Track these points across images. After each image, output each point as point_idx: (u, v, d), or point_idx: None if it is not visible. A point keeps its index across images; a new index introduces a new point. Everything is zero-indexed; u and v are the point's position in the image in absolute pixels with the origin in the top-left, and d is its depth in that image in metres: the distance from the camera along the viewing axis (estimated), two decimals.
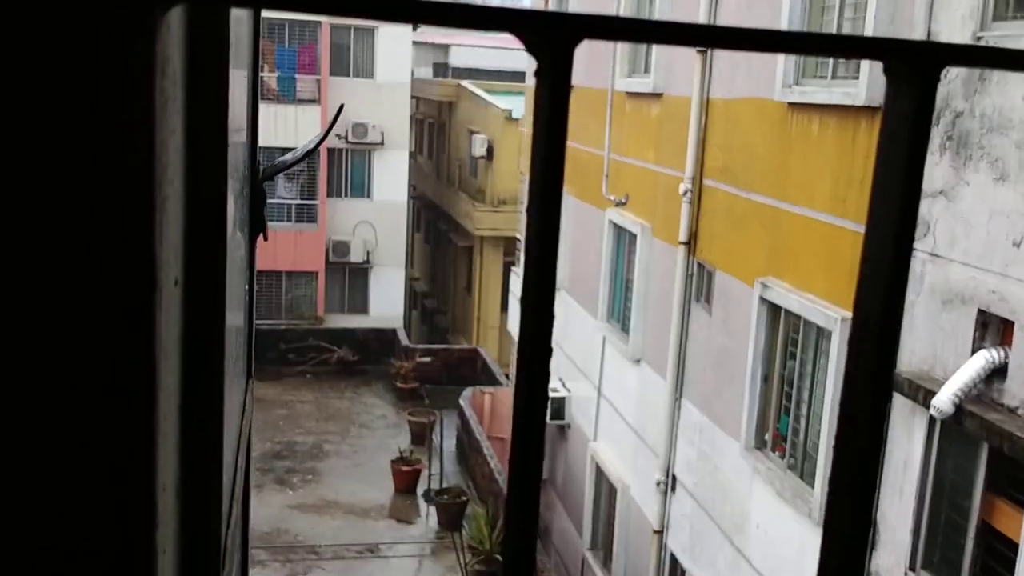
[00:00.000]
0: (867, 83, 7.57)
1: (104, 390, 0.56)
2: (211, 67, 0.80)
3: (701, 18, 10.33)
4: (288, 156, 2.65)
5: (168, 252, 0.69)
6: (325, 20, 25.20)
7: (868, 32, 7.57)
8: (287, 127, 24.44)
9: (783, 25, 8.77)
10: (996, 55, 0.74)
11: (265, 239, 1.87)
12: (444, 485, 17.44)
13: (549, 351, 0.51)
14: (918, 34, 7.07)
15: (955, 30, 6.76)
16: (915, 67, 0.54)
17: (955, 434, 6.61)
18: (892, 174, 0.55)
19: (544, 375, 0.50)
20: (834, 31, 8.31)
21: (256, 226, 1.80)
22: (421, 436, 19.24)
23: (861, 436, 0.54)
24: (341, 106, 3.21)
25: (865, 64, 7.62)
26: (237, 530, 1.55)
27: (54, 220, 0.54)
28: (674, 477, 11.11)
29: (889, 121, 0.56)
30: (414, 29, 27.11)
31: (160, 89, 0.60)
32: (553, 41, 0.51)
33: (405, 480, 17.83)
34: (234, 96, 1.56)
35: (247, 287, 1.77)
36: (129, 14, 0.53)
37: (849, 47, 0.62)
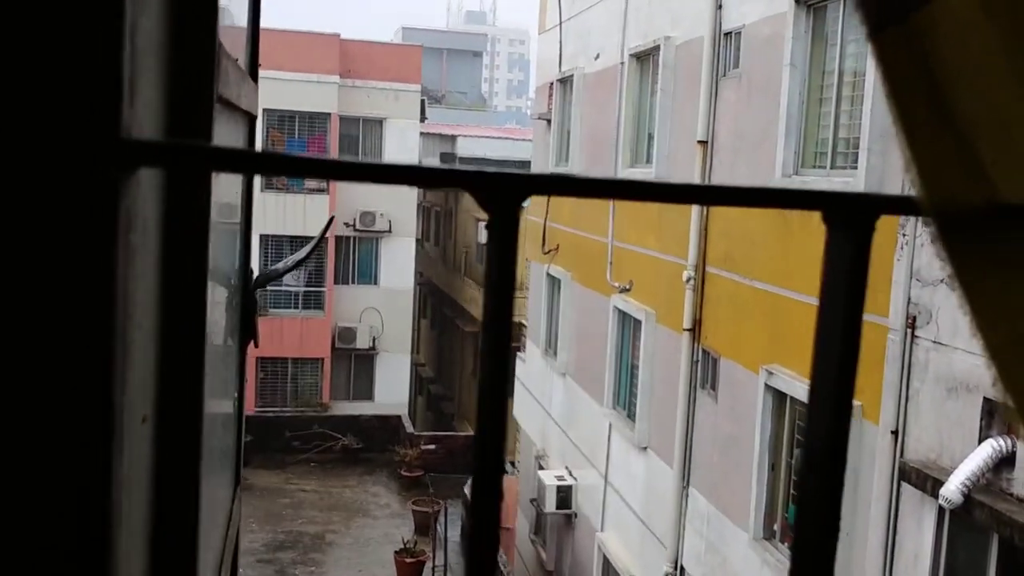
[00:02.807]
0: (865, 172, 7.67)
1: (56, 526, 0.58)
2: (189, 217, 0.83)
3: (701, 114, 10.54)
4: (280, 265, 2.72)
5: (133, 394, 0.71)
6: (335, 112, 25.74)
7: (866, 124, 7.71)
8: (296, 216, 24.75)
9: (782, 116, 8.94)
10: None
11: (256, 346, 1.91)
12: None
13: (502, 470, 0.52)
14: None
15: None
16: (852, 217, 0.57)
17: (965, 524, 6.51)
18: (833, 319, 0.57)
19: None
20: (831, 122, 8.46)
21: (247, 334, 1.84)
22: (425, 526, 18.96)
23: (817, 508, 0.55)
24: (331, 218, 3.29)
25: (864, 153, 7.73)
26: None
27: (12, 374, 0.57)
28: (682, 568, 10.90)
29: (829, 266, 0.58)
30: (422, 121, 27.63)
31: (125, 243, 0.63)
32: (502, 197, 0.54)
33: (409, 572, 17.51)
34: (228, 203, 1.61)
35: (236, 395, 1.79)
36: (93, 179, 0.57)
37: (790, 199, 0.65)
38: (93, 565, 0.59)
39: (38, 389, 0.56)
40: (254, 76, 1.82)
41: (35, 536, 0.57)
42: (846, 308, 0.57)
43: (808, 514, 0.56)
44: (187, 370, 0.88)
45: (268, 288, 25.32)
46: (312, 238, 24.40)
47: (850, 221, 0.56)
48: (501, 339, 0.53)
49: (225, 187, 1.40)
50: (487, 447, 0.52)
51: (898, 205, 0.63)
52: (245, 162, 0.68)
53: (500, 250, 0.54)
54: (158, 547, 0.91)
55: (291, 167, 0.57)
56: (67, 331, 0.56)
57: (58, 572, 0.59)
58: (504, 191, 0.54)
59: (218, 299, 1.43)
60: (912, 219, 7.10)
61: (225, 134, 1.25)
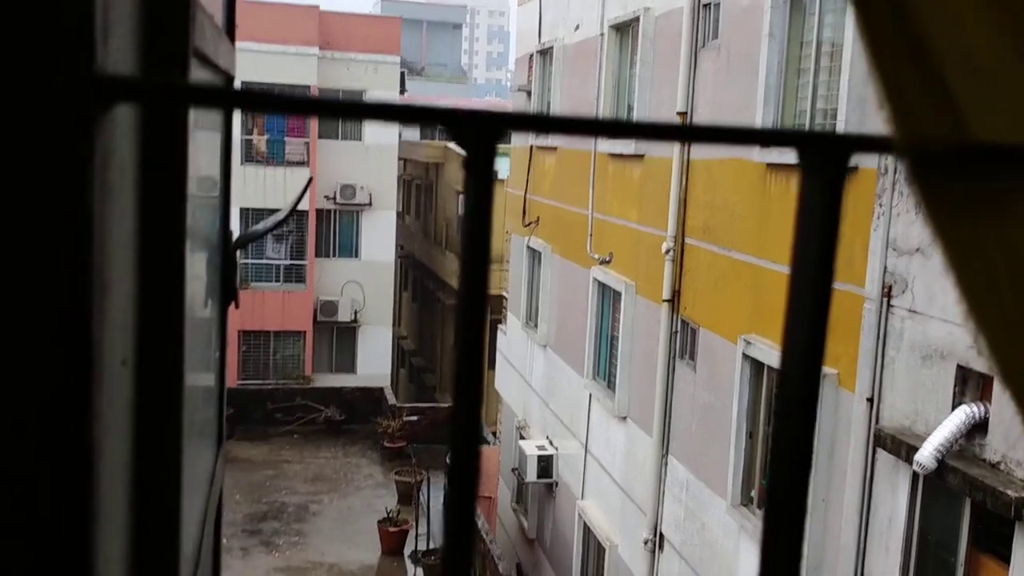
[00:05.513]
0: None
1: (38, 467, 0.59)
2: (166, 155, 0.84)
3: (680, 85, 10.53)
4: (260, 226, 2.73)
5: (113, 334, 0.72)
6: (314, 84, 25.53)
7: (843, 93, 7.73)
8: (276, 189, 24.60)
9: (760, 86, 8.95)
10: None
11: (236, 307, 1.92)
12: (431, 546, 17.24)
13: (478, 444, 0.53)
14: None
15: None
16: (826, 156, 0.58)
17: (939, 490, 6.61)
18: (807, 261, 0.57)
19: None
20: (809, 93, 8.48)
21: (227, 294, 1.84)
22: (408, 496, 19.07)
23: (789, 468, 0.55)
24: (310, 179, 3.30)
25: (841, 123, 7.76)
26: None
27: None
28: (661, 535, 11.02)
29: (803, 207, 0.59)
30: (401, 93, 27.46)
31: (102, 181, 0.64)
32: (478, 133, 0.55)
33: (392, 541, 17.62)
34: (206, 164, 1.62)
35: (218, 353, 1.80)
36: (68, 114, 0.58)
37: (765, 138, 0.65)
38: (73, 500, 0.60)
39: (17, 321, 0.57)
40: (231, 38, 1.82)
41: (11, 472, 0.58)
42: (819, 251, 0.56)
43: (779, 467, 0.57)
44: (167, 313, 0.89)
45: (250, 262, 25.19)
46: (294, 211, 24.36)
47: (824, 159, 0.57)
48: (477, 284, 0.53)
49: (203, 144, 1.41)
50: (466, 389, 0.52)
51: (873, 144, 0.63)
52: (219, 98, 0.68)
53: (477, 186, 0.54)
54: (140, 489, 0.92)
55: (265, 104, 0.58)
56: (45, 267, 0.57)
57: (36, 506, 0.59)
58: (480, 127, 0.54)
59: (198, 256, 1.44)
60: (888, 189, 7.15)
61: None
